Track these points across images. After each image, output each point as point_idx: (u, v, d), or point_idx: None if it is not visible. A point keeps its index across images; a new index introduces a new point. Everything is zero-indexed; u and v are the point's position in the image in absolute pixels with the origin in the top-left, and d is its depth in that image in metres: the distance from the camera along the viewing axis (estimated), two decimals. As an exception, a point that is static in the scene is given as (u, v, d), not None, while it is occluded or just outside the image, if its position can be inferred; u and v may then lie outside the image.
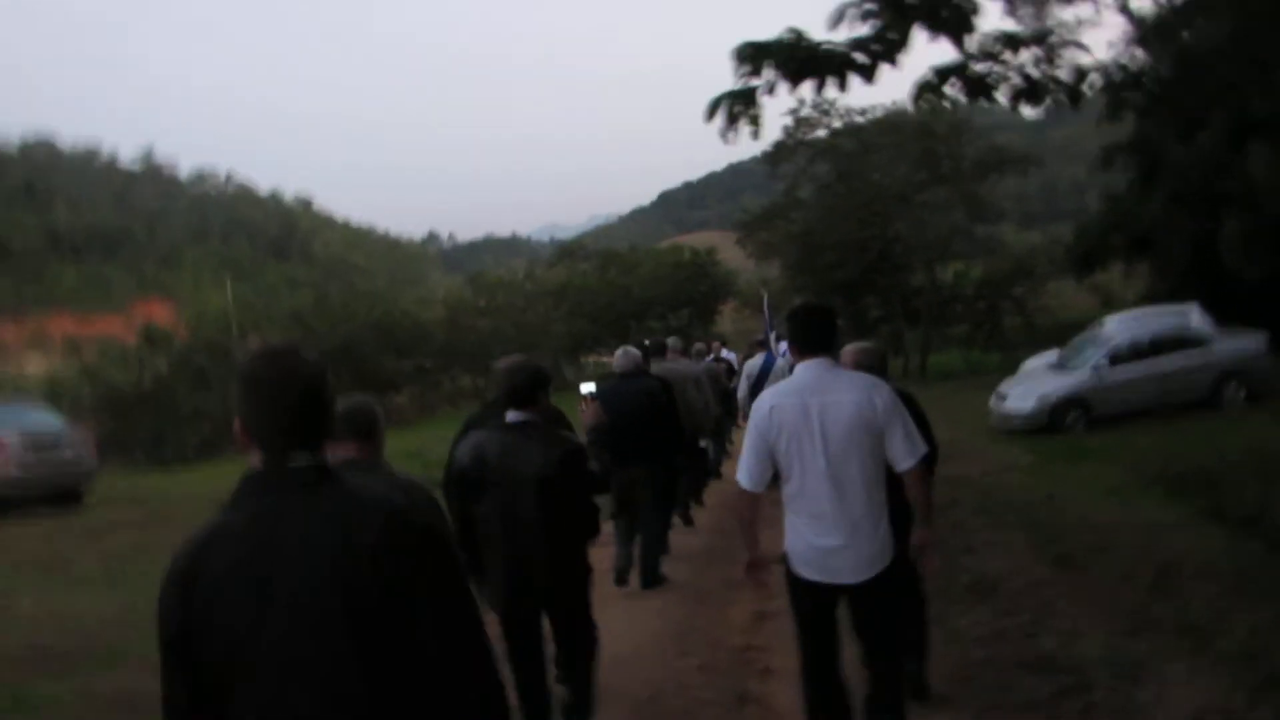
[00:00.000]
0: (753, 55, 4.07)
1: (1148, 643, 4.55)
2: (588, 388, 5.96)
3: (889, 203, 26.88)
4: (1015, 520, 7.79)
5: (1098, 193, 24.61)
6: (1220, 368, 12.95)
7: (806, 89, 4.26)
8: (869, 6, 4.12)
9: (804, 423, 3.13)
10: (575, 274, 40.79)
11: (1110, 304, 24.56)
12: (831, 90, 4.27)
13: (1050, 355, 15.91)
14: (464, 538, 3.47)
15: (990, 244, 29.82)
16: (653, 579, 6.43)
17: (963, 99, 4.95)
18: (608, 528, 5.71)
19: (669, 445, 6.49)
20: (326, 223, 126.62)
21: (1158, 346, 13.24)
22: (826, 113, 27.30)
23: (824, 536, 3.15)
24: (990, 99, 4.97)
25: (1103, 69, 4.93)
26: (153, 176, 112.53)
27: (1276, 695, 3.80)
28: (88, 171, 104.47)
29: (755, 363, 10.11)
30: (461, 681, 1.55)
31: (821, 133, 28.06)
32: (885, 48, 4.22)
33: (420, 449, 13.49)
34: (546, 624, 3.66)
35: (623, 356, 6.54)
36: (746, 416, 9.67)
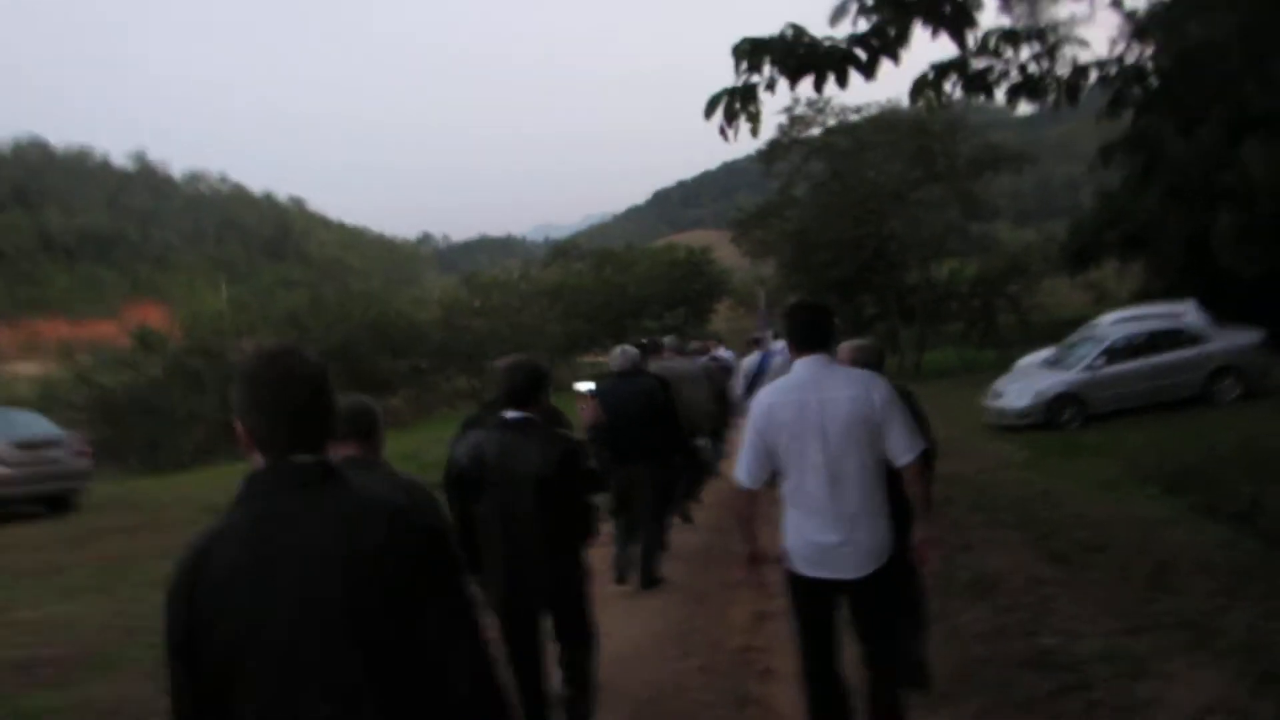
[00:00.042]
0: (752, 52, 4.05)
1: (1147, 639, 4.54)
2: (587, 386, 5.94)
3: (884, 201, 26.89)
4: (1012, 517, 7.80)
5: (1092, 190, 24.69)
6: (1215, 364, 13.01)
7: (806, 85, 4.23)
8: (870, 2, 4.10)
9: (802, 419, 3.14)
10: (570, 274, 40.82)
11: (1104, 301, 24.65)
12: (831, 87, 4.25)
13: (1045, 352, 15.97)
14: (463, 537, 3.46)
15: (985, 241, 29.88)
16: (652, 579, 6.42)
17: (961, 95, 4.94)
18: (606, 527, 5.69)
19: (668, 444, 6.49)
20: (321, 223, 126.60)
21: (1153, 343, 13.32)
22: (821, 111, 27.34)
23: (823, 532, 3.15)
24: (989, 95, 4.96)
25: (1102, 65, 4.92)
26: (146, 178, 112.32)
27: (1277, 690, 3.79)
28: (80, 173, 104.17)
29: (751, 361, 10.12)
30: (463, 683, 1.54)
31: (816, 131, 28.09)
32: (885, 44, 4.20)
33: (417, 451, 13.47)
34: (547, 625, 3.65)
35: (621, 356, 6.55)
36: (743, 415, 9.73)
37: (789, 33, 4.21)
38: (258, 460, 1.56)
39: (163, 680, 1.53)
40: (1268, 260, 13.49)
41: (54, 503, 12.08)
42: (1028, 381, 14.13)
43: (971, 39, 4.56)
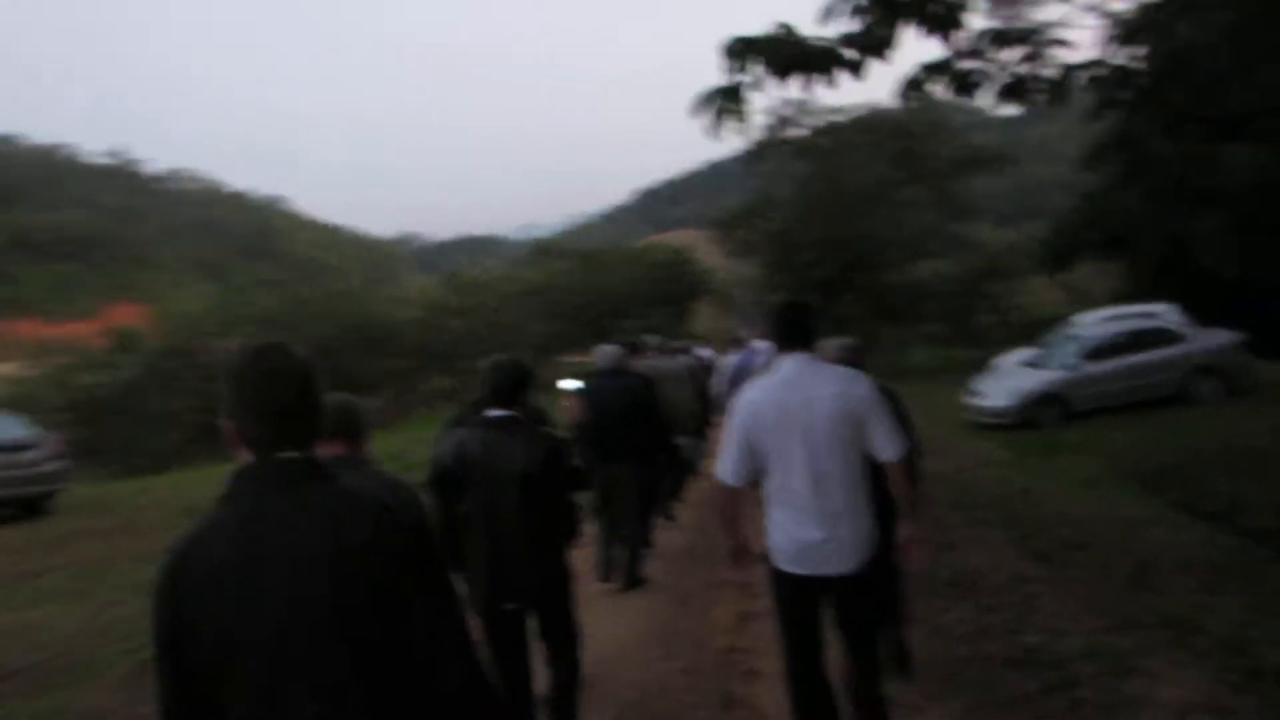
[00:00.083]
0: (741, 50, 4.04)
1: (1131, 637, 4.57)
2: (572, 384, 5.91)
3: (866, 201, 27.00)
4: (994, 515, 7.82)
5: (1071, 191, 24.85)
6: (1194, 364, 13.14)
7: (795, 85, 4.23)
8: (859, 2, 4.10)
9: (785, 417, 3.15)
10: (552, 273, 40.70)
11: (1083, 302, 24.84)
12: (820, 86, 4.24)
13: (1025, 352, 16.08)
14: (448, 536, 3.43)
15: (966, 242, 30.05)
16: (635, 580, 6.40)
17: (948, 96, 4.95)
18: (589, 527, 5.66)
19: (652, 442, 6.49)
20: (300, 222, 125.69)
21: (1132, 343, 13.43)
22: (805, 112, 27.40)
23: (806, 529, 3.15)
24: (976, 96, 4.99)
25: (1089, 66, 4.95)
26: (123, 176, 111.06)
27: (1261, 687, 3.82)
28: (56, 171, 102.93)
29: (732, 360, 10.12)
30: (450, 680, 1.54)
31: (800, 132, 28.15)
32: (874, 44, 4.20)
33: (401, 451, 13.38)
34: (532, 625, 3.62)
35: (605, 355, 6.54)
36: (724, 413, 9.73)
37: (779, 31, 4.20)
38: (245, 457, 1.56)
39: (152, 681, 1.53)
40: (1246, 262, 13.62)
41: (30, 505, 11.91)
42: (1008, 381, 14.22)
43: (960, 39, 4.57)
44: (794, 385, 3.19)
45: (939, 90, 5.04)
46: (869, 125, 26.90)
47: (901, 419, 3.54)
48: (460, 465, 3.47)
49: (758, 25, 4.33)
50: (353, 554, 1.47)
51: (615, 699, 4.38)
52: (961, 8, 4.37)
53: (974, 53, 4.79)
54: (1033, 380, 13.70)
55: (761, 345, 11.19)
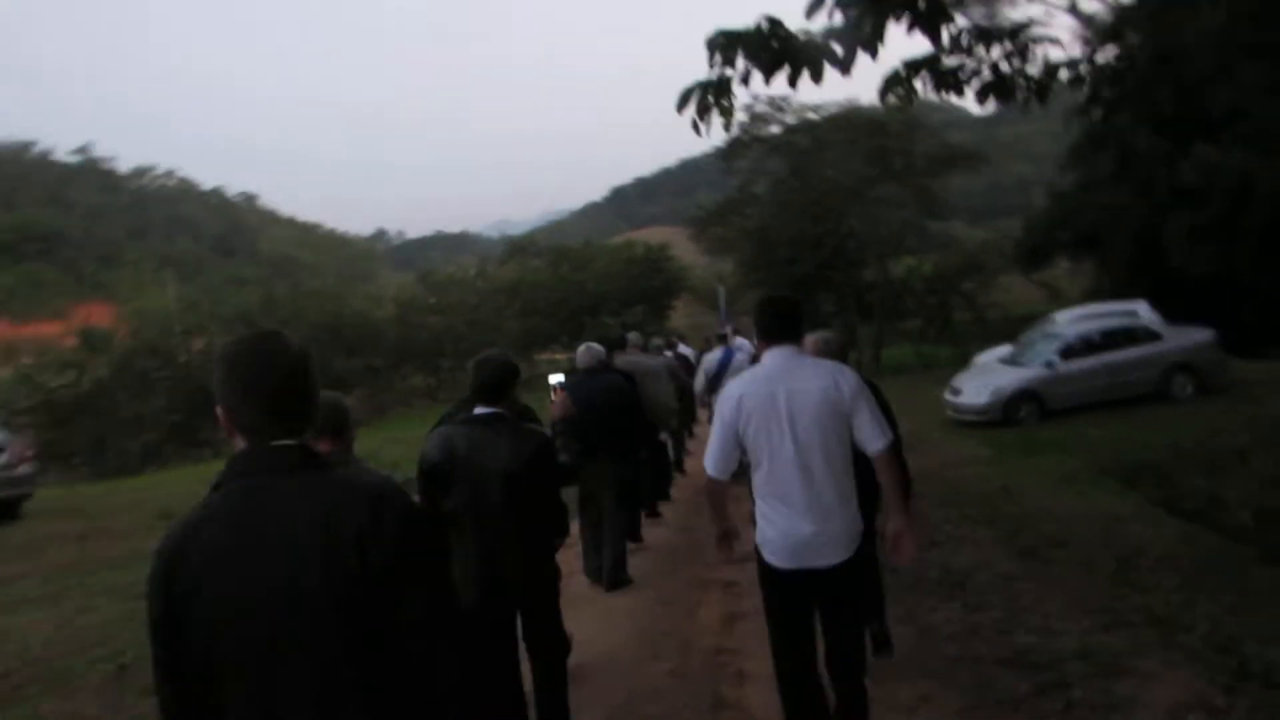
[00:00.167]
0: (726, 44, 3.99)
1: (1120, 636, 4.56)
2: (557, 378, 5.86)
3: (842, 199, 27.10)
4: (977, 512, 7.84)
5: (1043, 190, 25.10)
6: (1169, 362, 13.27)
7: (780, 80, 4.18)
8: (847, -5, 4.09)
9: (772, 410, 3.13)
10: (527, 270, 40.60)
11: (1057, 300, 25.10)
12: (805, 82, 4.19)
13: (1002, 349, 16.19)
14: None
15: (942, 239, 30.27)
16: (618, 580, 6.34)
17: (931, 94, 4.94)
18: (573, 525, 5.61)
19: (635, 439, 6.45)
20: (272, 219, 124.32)
21: (1109, 341, 13.55)
22: (781, 109, 27.47)
23: (795, 523, 3.12)
24: (960, 93, 4.96)
25: (1073, 64, 4.95)
26: (91, 173, 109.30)
27: (1250, 686, 3.82)
28: (22, 168, 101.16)
29: (713, 357, 10.09)
30: (445, 669, 1.53)
31: (775, 129, 28.21)
32: (861, 39, 4.16)
33: (376, 451, 13.24)
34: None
35: (586, 352, 6.50)
36: (705, 409, 9.70)
37: (764, 25, 4.15)
38: (239, 444, 1.56)
39: (152, 673, 1.52)
40: (1217, 260, 13.79)
41: (-1, 509, 11.68)
42: (986, 378, 14.29)
43: (945, 36, 4.54)
44: (780, 379, 3.16)
45: (922, 88, 5.02)
46: (845, 122, 26.99)
47: (885, 411, 3.52)
48: (447, 461, 3.42)
49: (742, 19, 4.31)
50: (347, 540, 1.46)
51: (603, 703, 4.31)
52: (948, 3, 4.34)
53: (957, 49, 4.77)
54: (1010, 378, 13.78)
55: (742, 342, 11.18)
